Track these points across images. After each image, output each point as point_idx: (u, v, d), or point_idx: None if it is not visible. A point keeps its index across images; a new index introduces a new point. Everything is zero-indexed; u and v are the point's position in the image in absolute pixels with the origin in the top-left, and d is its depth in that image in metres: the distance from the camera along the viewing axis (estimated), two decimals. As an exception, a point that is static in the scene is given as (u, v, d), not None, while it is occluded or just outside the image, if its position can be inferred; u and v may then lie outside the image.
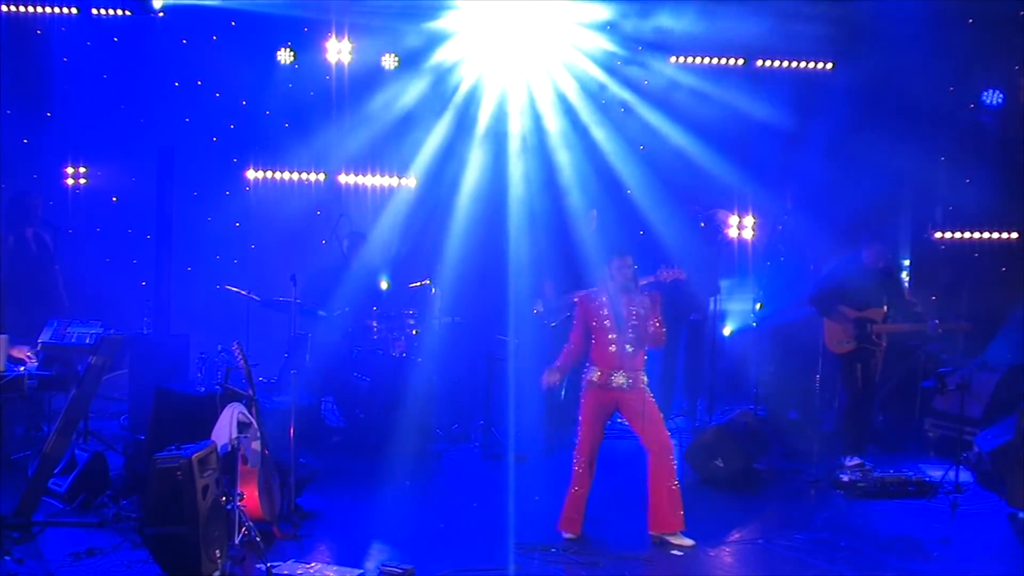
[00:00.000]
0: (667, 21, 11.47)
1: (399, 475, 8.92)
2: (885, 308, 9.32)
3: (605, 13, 11.43)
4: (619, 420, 7.88)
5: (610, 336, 7.43)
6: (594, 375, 7.47)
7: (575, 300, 7.79)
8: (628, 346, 7.42)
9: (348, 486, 8.58)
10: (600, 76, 11.74)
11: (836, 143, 11.81)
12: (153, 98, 11.74)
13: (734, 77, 12.04)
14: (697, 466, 8.95)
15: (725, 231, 11.76)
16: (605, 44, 11.64)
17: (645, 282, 9.76)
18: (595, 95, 11.74)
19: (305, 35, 11.85)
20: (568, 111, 11.68)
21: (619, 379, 7.40)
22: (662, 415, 7.53)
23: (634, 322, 7.44)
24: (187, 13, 11.45)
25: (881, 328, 9.31)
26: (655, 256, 9.47)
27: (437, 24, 11.45)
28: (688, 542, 7.28)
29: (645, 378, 7.50)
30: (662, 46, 11.69)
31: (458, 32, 11.50)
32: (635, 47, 11.69)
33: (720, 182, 11.65)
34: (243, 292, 10.39)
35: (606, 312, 7.49)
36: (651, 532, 7.37)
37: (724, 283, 11.21)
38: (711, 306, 10.58)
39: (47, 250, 9.58)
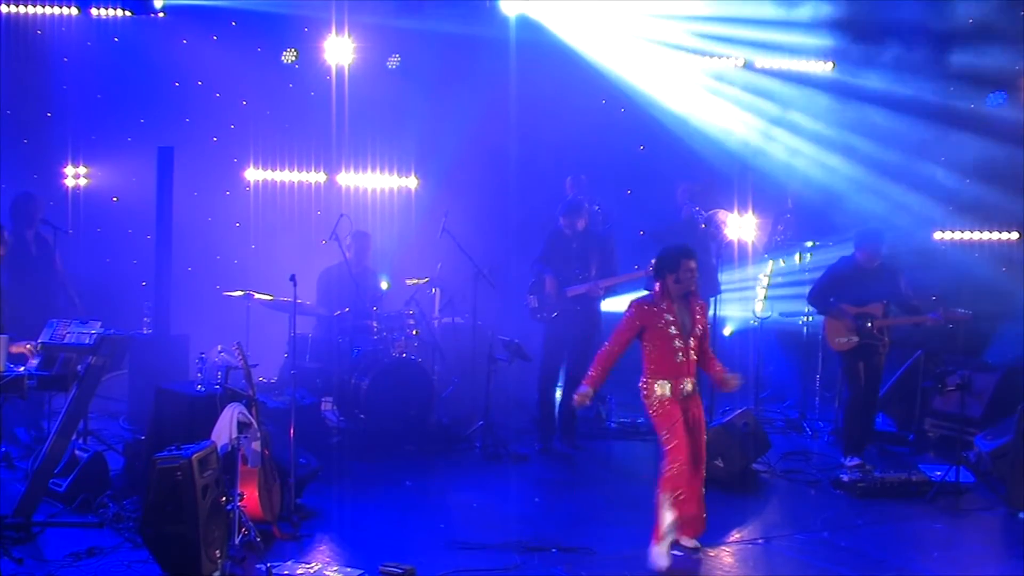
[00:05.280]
0: None
1: (399, 475, 8.93)
2: (885, 302, 9.31)
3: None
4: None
5: (676, 344, 7.05)
6: (663, 388, 7.03)
7: (631, 306, 7.25)
8: (692, 353, 7.11)
9: (348, 486, 8.58)
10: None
11: (836, 142, 11.92)
12: (153, 98, 11.75)
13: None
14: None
15: (724, 231, 11.76)
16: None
17: (633, 276, 9.83)
18: None
19: (305, 35, 11.87)
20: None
21: (688, 387, 7.08)
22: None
23: (698, 329, 7.13)
24: (187, 13, 11.46)
25: (881, 322, 9.30)
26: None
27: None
28: (694, 544, 7.25)
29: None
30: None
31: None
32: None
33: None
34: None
35: (671, 318, 7.08)
36: (687, 536, 7.19)
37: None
38: (711, 306, 10.54)
39: (48, 251, 9.57)
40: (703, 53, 12.14)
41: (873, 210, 11.37)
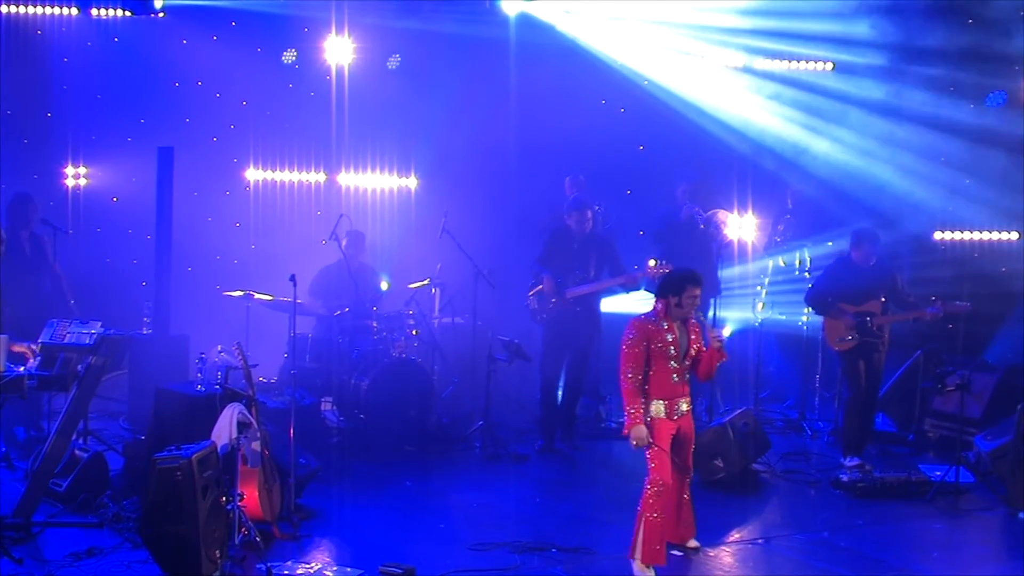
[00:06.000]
0: None
1: (399, 475, 8.93)
2: (883, 299, 9.30)
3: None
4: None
5: (672, 365, 7.00)
6: (657, 408, 6.96)
7: (631, 325, 7.05)
8: (687, 374, 7.10)
9: (348, 486, 8.58)
10: None
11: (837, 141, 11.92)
12: (153, 98, 11.76)
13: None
14: (696, 466, 8.90)
15: (724, 231, 11.76)
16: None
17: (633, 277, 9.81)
18: None
19: (305, 35, 11.88)
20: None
21: (683, 407, 7.07)
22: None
23: (693, 352, 7.11)
24: (187, 13, 11.47)
25: (881, 320, 9.29)
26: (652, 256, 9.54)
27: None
28: (694, 544, 7.25)
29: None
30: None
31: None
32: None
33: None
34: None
35: (671, 338, 7.01)
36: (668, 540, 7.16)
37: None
38: (711, 307, 10.55)
39: (44, 252, 9.56)
40: (704, 51, 12.12)
41: (873, 209, 11.36)
